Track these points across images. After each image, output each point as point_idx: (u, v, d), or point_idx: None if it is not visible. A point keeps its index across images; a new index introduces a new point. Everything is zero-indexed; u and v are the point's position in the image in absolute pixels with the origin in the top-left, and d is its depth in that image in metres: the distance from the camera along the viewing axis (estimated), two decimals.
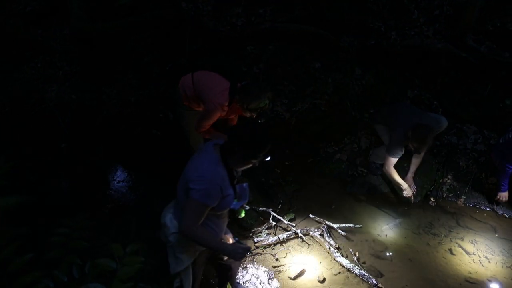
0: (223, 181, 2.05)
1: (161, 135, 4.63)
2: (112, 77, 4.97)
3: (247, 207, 2.49)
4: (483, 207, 4.02)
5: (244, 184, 2.31)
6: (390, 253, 3.45)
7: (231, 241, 2.45)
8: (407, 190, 3.88)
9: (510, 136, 3.63)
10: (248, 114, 3.06)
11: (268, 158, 2.17)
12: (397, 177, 3.86)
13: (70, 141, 4.51)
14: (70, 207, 3.62)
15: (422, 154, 3.85)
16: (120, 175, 4.29)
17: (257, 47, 5.03)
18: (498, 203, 3.96)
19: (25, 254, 1.23)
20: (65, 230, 1.46)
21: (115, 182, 4.21)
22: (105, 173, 4.31)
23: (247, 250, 2.20)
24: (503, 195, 3.87)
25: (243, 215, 2.59)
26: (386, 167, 3.84)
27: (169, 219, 2.28)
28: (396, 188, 4.04)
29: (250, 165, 2.15)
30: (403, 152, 3.73)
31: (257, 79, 4.75)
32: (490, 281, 3.22)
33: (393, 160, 3.75)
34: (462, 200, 4.08)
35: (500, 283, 3.20)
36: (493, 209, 3.98)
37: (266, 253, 3.42)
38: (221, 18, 5.12)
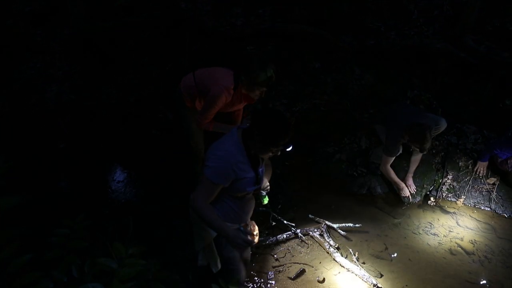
0: (238, 162, 2.04)
1: (161, 135, 4.63)
2: (111, 77, 4.97)
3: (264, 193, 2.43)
4: (482, 207, 4.02)
5: (260, 169, 2.26)
6: (390, 253, 3.45)
7: (255, 228, 2.44)
8: (404, 189, 3.90)
9: (510, 135, 3.65)
10: (257, 93, 2.97)
11: (290, 148, 2.13)
12: (393, 176, 3.88)
13: (69, 141, 4.51)
14: (69, 207, 3.62)
15: (420, 155, 3.86)
16: (119, 175, 4.29)
17: (256, 47, 5.03)
18: (478, 174, 4.07)
19: (24, 254, 1.23)
20: (65, 230, 1.46)
21: (115, 182, 4.20)
22: (105, 173, 4.30)
23: (248, 243, 2.17)
24: (482, 165, 4.02)
25: (266, 202, 2.50)
26: (382, 166, 3.87)
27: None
28: (394, 187, 4.04)
29: (271, 154, 2.11)
30: (400, 152, 3.74)
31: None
32: (490, 281, 3.22)
33: (389, 159, 3.77)
34: (461, 200, 4.08)
35: (500, 283, 3.21)
36: (492, 209, 3.98)
37: (265, 253, 3.42)
38: (221, 18, 5.13)
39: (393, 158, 3.78)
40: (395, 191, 4.08)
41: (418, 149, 3.62)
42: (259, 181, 2.24)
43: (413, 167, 3.98)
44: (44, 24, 5.25)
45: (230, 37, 4.99)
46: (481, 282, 3.21)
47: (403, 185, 3.90)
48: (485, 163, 4.04)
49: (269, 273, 3.21)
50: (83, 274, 1.32)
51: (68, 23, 5.14)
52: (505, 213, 3.93)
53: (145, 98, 4.84)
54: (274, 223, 3.64)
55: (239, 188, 2.14)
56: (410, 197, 3.94)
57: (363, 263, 3.32)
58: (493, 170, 4.08)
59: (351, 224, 3.64)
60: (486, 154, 4.00)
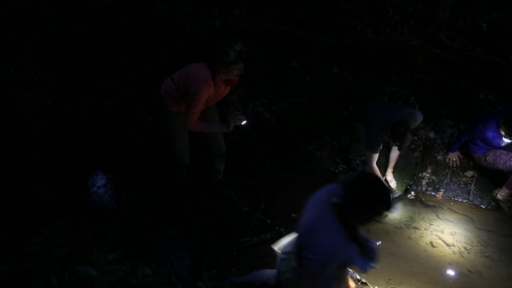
0: (344, 252, 1.90)
1: (140, 139, 4.58)
2: (88, 81, 4.89)
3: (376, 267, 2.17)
4: (460, 199, 4.11)
5: (374, 245, 2.10)
6: None
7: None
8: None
9: (480, 128, 3.73)
10: (235, 72, 2.93)
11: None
12: (378, 175, 3.92)
13: (46, 147, 4.42)
14: (48, 215, 3.55)
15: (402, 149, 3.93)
16: (99, 180, 4.22)
17: None
18: (451, 164, 4.20)
19: (2, 264, 1.20)
20: (43, 238, 1.42)
21: (95, 188, 4.14)
22: (84, 178, 4.23)
23: None
24: (452, 155, 4.16)
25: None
26: (369, 164, 3.90)
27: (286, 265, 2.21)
28: None
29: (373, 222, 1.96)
30: (381, 147, 3.80)
31: None
32: (470, 271, 3.29)
33: (374, 156, 3.81)
34: (441, 193, 4.16)
35: (480, 273, 3.28)
36: (470, 201, 4.07)
37: (249, 253, 3.41)
38: (198, 20, 5.09)
39: (377, 155, 3.83)
40: None
41: (397, 147, 3.69)
42: (363, 249, 2.04)
43: (392, 163, 4.05)
44: (15, 29, 5.11)
45: (207, 38, 4.96)
46: (462, 273, 3.29)
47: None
48: (455, 153, 4.16)
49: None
50: (64, 282, 1.29)
51: (41, 28, 5.03)
52: (482, 204, 4.02)
53: (123, 101, 4.78)
54: (258, 223, 3.64)
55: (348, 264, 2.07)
56: (392, 196, 3.99)
57: None
58: (472, 164, 4.18)
59: None
60: (454, 143, 4.12)
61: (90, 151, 4.42)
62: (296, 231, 2.17)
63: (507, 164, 3.72)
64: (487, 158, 3.87)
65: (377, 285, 3.07)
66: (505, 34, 4.44)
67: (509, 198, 3.90)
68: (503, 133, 3.59)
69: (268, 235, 3.52)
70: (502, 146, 3.76)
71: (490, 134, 3.68)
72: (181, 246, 3.48)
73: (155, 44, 4.94)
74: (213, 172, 3.85)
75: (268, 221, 3.65)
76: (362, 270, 2.08)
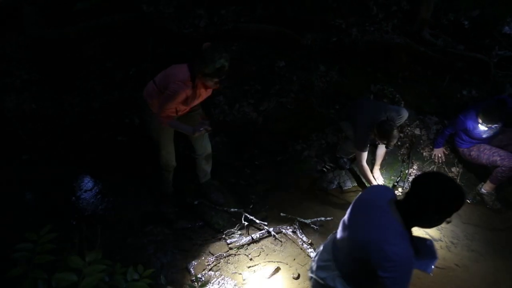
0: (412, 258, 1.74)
1: (128, 141, 4.55)
2: (73, 84, 4.84)
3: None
4: None
5: (428, 241, 1.96)
6: None
7: None
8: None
9: (461, 118, 3.82)
10: (211, 83, 2.92)
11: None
12: (369, 175, 3.96)
13: (32, 152, 4.36)
14: (34, 220, 3.51)
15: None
16: (86, 184, 4.19)
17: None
18: (437, 160, 4.25)
19: None
20: (29, 245, 1.41)
21: (82, 192, 4.10)
22: (71, 182, 4.19)
23: None
24: (437, 151, 4.22)
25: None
26: (359, 163, 3.94)
27: (331, 278, 2.01)
28: (365, 183, 4.12)
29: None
30: (368, 146, 3.85)
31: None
32: (457, 265, 3.34)
33: (363, 155, 3.85)
34: None
35: (466, 267, 3.34)
36: None
37: (240, 254, 3.42)
38: (183, 20, 5.07)
39: (367, 153, 3.86)
40: (364, 185, 4.17)
41: (384, 145, 3.74)
42: (418, 250, 1.89)
43: (379, 160, 4.08)
44: None
45: (194, 39, 4.95)
46: (449, 267, 3.33)
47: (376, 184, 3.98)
48: (440, 149, 4.22)
49: (244, 273, 3.22)
50: None
51: (24, 30, 4.96)
52: (468, 199, 4.08)
53: (110, 104, 4.74)
54: (246, 223, 3.65)
55: None
56: None
57: None
58: (457, 159, 4.24)
59: (322, 218, 3.70)
60: (438, 139, 4.19)
61: (77, 155, 4.38)
62: (340, 238, 1.99)
63: (491, 159, 3.80)
64: (471, 153, 3.94)
65: None
66: (487, 31, 4.51)
67: (493, 192, 3.97)
68: (480, 120, 3.68)
69: (258, 235, 3.53)
70: (483, 138, 3.83)
71: (470, 124, 3.77)
72: (170, 248, 3.48)
73: (141, 45, 4.91)
74: (200, 173, 3.85)
75: (257, 221, 3.66)
76: (428, 272, 1.91)
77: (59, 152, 4.38)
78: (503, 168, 3.75)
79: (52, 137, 4.51)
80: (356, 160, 3.97)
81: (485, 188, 3.95)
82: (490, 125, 3.64)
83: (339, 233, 2.02)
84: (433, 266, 1.91)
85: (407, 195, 1.75)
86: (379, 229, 1.74)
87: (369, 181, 3.98)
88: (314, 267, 2.15)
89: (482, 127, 3.70)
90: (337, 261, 2.01)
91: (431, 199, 1.68)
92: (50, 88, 4.78)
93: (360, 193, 2.04)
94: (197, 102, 3.23)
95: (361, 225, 1.84)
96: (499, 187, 3.99)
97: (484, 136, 3.80)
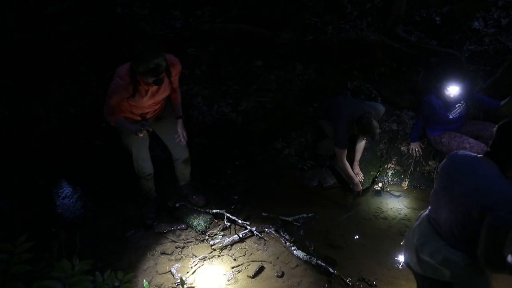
0: None
1: (105, 146, 4.47)
2: (47, 89, 4.74)
3: None
4: (424, 188, 4.25)
5: None
6: (345, 241, 3.56)
7: None
8: (357, 184, 4.02)
9: (425, 100, 3.91)
10: (149, 81, 2.77)
11: None
12: (349, 171, 4.00)
13: (6, 160, 4.24)
14: (11, 230, 3.42)
15: (364, 142, 4.03)
16: (65, 190, 4.10)
17: (197, 49, 4.99)
18: (415, 154, 4.27)
19: None
20: (4, 255, 1.37)
21: (60, 198, 4.02)
22: (48, 189, 4.10)
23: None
24: (414, 145, 4.25)
25: None
26: (338, 161, 3.98)
27: (438, 250, 2.04)
28: (346, 180, 4.16)
29: None
30: (347, 142, 3.91)
31: None
32: None
33: (343, 152, 3.89)
34: (406, 183, 4.29)
35: None
36: (432, 188, 4.21)
37: (223, 255, 3.40)
38: (159, 22, 5.03)
39: (346, 150, 3.90)
40: (344, 181, 4.21)
41: (370, 139, 3.81)
42: None
43: (358, 156, 4.13)
44: None
45: (170, 40, 4.91)
46: None
47: (357, 180, 4.02)
48: (417, 143, 4.26)
49: (228, 274, 3.21)
50: None
51: None
52: None
53: (86, 108, 4.65)
54: (229, 224, 3.64)
55: None
56: (361, 190, 4.07)
57: (320, 253, 3.40)
58: (434, 152, 4.33)
59: (304, 215, 3.73)
60: (413, 132, 4.24)
61: (53, 161, 4.29)
62: (437, 207, 2.08)
63: (461, 146, 3.90)
64: (442, 140, 4.03)
65: (349, 277, 3.12)
66: (457, 27, 4.61)
67: None
68: (443, 87, 3.72)
69: (241, 235, 3.52)
70: (451, 120, 3.91)
71: (435, 103, 3.83)
72: (152, 252, 3.44)
73: (116, 48, 4.84)
74: (180, 177, 3.81)
75: (240, 221, 3.65)
76: None
77: (35, 159, 4.27)
78: None
79: (27, 144, 4.40)
80: (336, 157, 4.01)
81: None
82: (453, 86, 3.67)
83: (434, 205, 2.12)
84: None
85: (493, 144, 1.86)
86: (481, 176, 1.84)
87: (349, 177, 4.02)
88: (419, 248, 2.15)
89: (447, 93, 3.72)
90: (439, 231, 2.06)
91: None
92: (24, 94, 4.66)
93: (442, 163, 2.13)
94: (152, 101, 3.09)
95: (462, 180, 1.91)
96: None
97: (451, 116, 3.88)
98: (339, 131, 3.81)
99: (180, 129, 3.31)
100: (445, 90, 3.72)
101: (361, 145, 4.07)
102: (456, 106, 3.83)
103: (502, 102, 3.92)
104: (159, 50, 2.71)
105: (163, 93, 3.12)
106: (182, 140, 3.32)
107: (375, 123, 3.62)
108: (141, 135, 2.97)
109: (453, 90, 3.67)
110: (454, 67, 3.84)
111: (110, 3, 4.97)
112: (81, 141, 4.49)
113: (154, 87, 2.98)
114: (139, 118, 3.16)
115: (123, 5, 4.92)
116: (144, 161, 3.46)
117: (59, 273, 1.24)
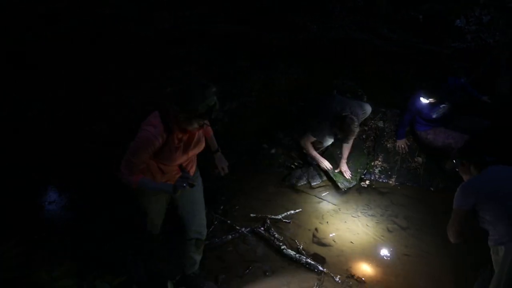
0: None
1: (95, 148, 4.43)
2: (36, 91, 4.68)
3: None
4: (410, 184, 4.31)
5: None
6: (333, 239, 3.58)
7: None
8: (323, 162, 4.18)
9: (411, 100, 4.06)
10: (196, 125, 2.28)
11: None
12: (311, 151, 4.19)
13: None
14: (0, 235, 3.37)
15: (352, 140, 4.07)
16: (51, 195, 4.05)
17: (186, 50, 4.98)
18: (401, 151, 4.40)
19: None
20: None
21: (50, 202, 3.97)
22: (38, 194, 4.05)
23: None
24: (400, 142, 4.37)
25: None
26: (304, 141, 4.16)
27: None
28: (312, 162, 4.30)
29: None
30: (332, 140, 3.97)
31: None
32: (425, 252, 3.45)
33: (311, 138, 4.09)
34: (393, 179, 4.33)
35: (436, 253, 3.45)
36: (420, 185, 4.27)
37: (212, 256, 3.40)
38: (148, 23, 5.01)
39: (314, 139, 4.10)
40: (332, 179, 4.24)
41: (342, 138, 3.95)
42: None
43: (345, 153, 4.18)
44: None
45: (159, 41, 4.90)
46: (419, 254, 3.43)
47: (321, 158, 4.18)
48: (403, 140, 4.37)
49: (218, 275, 3.20)
50: None
51: None
52: (431, 187, 4.24)
53: (75, 111, 4.60)
54: (218, 225, 3.64)
55: None
56: (330, 167, 4.19)
57: (309, 251, 3.41)
58: (420, 149, 4.38)
59: (292, 211, 3.80)
60: (399, 129, 4.34)
61: (42, 165, 4.23)
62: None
63: (446, 142, 4.03)
64: (428, 136, 4.14)
65: (338, 274, 3.14)
66: (438, 23, 4.68)
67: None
68: (422, 96, 3.92)
69: (230, 236, 3.52)
70: (434, 119, 4.04)
71: (419, 103, 3.98)
72: (142, 254, 3.41)
73: (105, 49, 4.81)
74: (186, 261, 3.19)
75: (229, 221, 3.66)
76: None
77: (23, 163, 4.22)
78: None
79: (16, 148, 4.34)
80: (302, 140, 4.17)
81: (448, 165, 4.11)
82: (430, 99, 3.89)
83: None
84: None
85: None
86: None
87: (313, 157, 4.20)
88: None
89: (424, 100, 3.93)
90: None
91: None
92: (10, 97, 4.61)
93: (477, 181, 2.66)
94: (185, 157, 2.53)
95: None
96: None
97: (434, 116, 4.01)
98: (322, 125, 3.94)
99: (220, 163, 2.97)
100: (423, 99, 3.91)
101: (349, 143, 4.11)
102: (441, 107, 3.93)
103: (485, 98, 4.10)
104: (212, 86, 2.25)
105: (198, 145, 2.59)
106: (222, 173, 2.93)
107: (355, 128, 3.74)
108: (181, 191, 2.35)
109: (431, 100, 3.89)
110: (436, 86, 4.04)
111: (98, 4, 4.93)
112: (71, 143, 4.43)
113: (185, 138, 2.45)
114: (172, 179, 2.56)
115: (111, 6, 4.89)
116: (154, 226, 2.93)
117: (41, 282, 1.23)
